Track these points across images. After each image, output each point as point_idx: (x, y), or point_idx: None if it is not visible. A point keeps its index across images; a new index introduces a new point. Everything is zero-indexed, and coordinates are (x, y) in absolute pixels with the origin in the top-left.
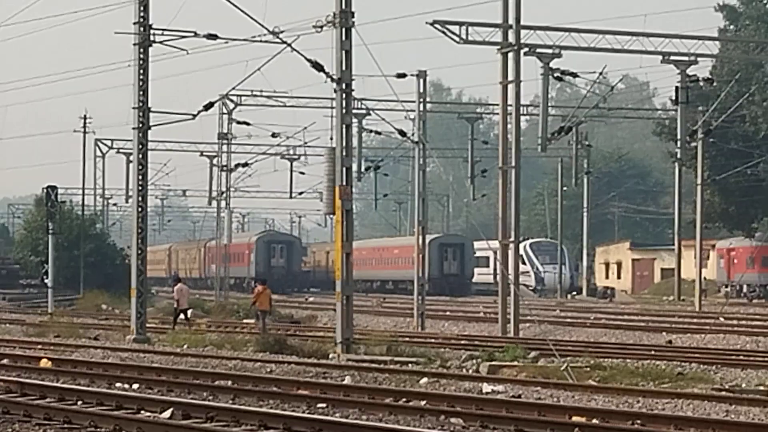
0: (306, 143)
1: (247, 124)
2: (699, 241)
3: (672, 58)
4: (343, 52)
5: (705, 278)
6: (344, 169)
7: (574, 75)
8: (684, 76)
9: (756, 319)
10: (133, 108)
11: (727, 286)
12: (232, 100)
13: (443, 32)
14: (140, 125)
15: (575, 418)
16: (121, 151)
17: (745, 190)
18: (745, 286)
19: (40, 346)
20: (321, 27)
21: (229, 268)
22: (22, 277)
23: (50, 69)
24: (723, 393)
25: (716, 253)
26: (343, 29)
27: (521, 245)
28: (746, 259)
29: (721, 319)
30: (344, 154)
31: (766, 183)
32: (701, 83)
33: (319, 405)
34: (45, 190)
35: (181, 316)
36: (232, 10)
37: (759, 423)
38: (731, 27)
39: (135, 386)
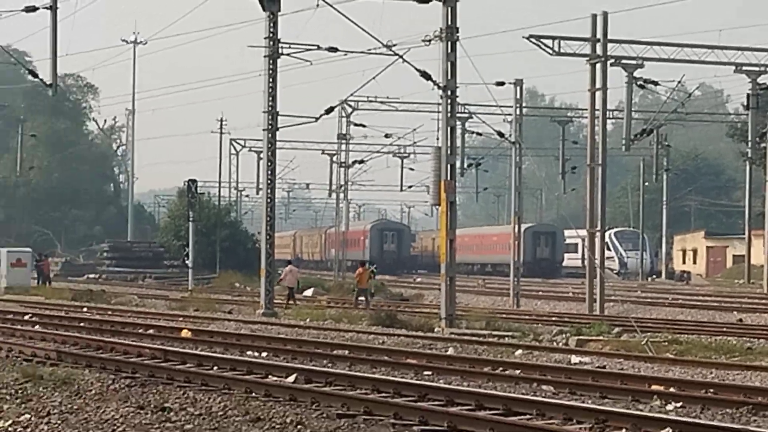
0: (415, 143)
1: (363, 126)
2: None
3: (744, 68)
4: (449, 63)
5: None
6: (449, 165)
7: (655, 83)
8: (755, 84)
9: None
10: (264, 112)
11: None
12: (350, 105)
13: (538, 45)
14: (269, 127)
15: (654, 387)
16: (252, 149)
17: None
18: None
19: (181, 319)
20: (429, 41)
21: (347, 252)
22: (166, 258)
23: (192, 77)
24: None
25: None
26: (449, 42)
27: (606, 234)
28: None
29: None
30: (449, 152)
31: None
32: None
33: (426, 372)
34: (186, 183)
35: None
36: (351, 26)
37: None
38: None
39: (263, 354)
